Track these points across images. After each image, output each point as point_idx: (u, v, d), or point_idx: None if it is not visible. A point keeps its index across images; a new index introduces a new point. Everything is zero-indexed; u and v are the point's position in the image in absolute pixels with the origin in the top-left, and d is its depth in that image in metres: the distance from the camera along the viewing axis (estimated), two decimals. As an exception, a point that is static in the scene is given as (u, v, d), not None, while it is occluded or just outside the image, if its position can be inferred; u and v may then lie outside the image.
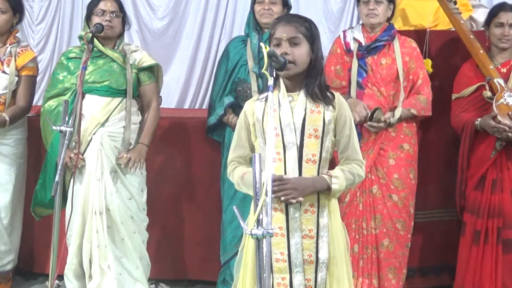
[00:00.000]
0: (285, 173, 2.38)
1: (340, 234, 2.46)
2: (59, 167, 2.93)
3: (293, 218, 2.39)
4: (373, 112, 3.41)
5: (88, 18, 3.47)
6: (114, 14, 3.43)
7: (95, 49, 3.35)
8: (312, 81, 2.41)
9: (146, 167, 3.53)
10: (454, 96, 3.61)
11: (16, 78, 3.61)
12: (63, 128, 2.98)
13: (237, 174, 2.47)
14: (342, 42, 3.61)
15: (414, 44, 3.60)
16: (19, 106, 3.62)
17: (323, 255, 2.41)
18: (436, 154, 3.83)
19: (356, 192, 3.48)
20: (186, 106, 6.05)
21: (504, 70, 3.53)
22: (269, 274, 2.07)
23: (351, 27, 3.80)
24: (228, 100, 3.61)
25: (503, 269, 3.42)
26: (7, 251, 3.70)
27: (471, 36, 3.59)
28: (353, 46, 3.55)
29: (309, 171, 2.39)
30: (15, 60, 3.62)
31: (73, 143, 3.33)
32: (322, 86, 2.42)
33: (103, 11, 3.40)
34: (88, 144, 3.37)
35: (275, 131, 2.36)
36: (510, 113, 3.38)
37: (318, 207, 2.41)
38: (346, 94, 3.51)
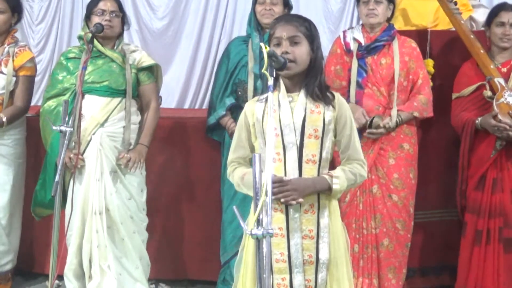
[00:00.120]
0: (285, 173, 2.38)
1: (340, 234, 2.46)
2: (59, 167, 2.92)
3: (293, 218, 2.38)
4: (371, 119, 3.41)
5: (87, 18, 3.46)
6: (114, 14, 3.42)
7: (94, 49, 3.35)
8: (312, 80, 2.40)
9: (146, 167, 3.53)
10: (454, 95, 3.61)
11: (14, 78, 3.60)
12: (63, 128, 2.98)
13: (237, 175, 2.47)
14: (342, 42, 3.61)
15: (414, 44, 3.59)
16: (17, 106, 3.61)
17: (323, 255, 2.40)
18: (436, 154, 3.83)
19: (356, 192, 3.49)
20: (186, 106, 6.04)
21: (504, 69, 3.53)
22: (269, 274, 2.06)
23: (351, 27, 3.80)
24: (229, 101, 3.62)
25: (505, 269, 3.42)
26: (5, 252, 3.69)
27: (472, 36, 3.59)
28: (353, 46, 3.55)
29: (309, 171, 2.38)
30: (13, 60, 3.60)
31: (73, 143, 3.32)
32: (322, 85, 2.41)
33: (103, 11, 3.40)
34: (88, 144, 3.37)
35: (274, 132, 2.35)
36: (510, 112, 3.38)
37: (318, 208, 2.40)
38: (346, 94, 3.51)
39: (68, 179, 3.39)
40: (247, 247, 2.42)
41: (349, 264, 2.49)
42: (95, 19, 3.38)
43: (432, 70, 3.71)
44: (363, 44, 3.54)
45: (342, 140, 2.43)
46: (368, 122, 3.42)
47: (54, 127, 3.01)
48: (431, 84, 3.67)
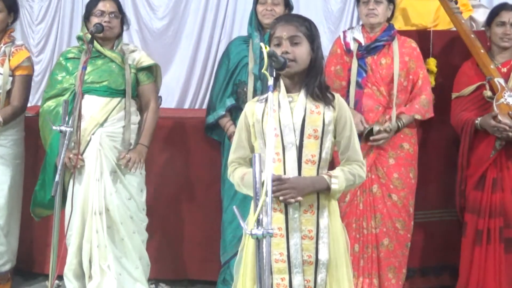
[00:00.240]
0: (285, 173, 2.37)
1: (340, 235, 2.45)
2: (59, 167, 2.92)
3: (293, 218, 2.38)
4: (370, 129, 3.41)
5: (86, 19, 3.45)
6: (113, 15, 3.42)
7: (93, 49, 3.35)
8: (312, 80, 2.40)
9: (146, 167, 3.53)
10: (454, 95, 3.61)
11: (11, 78, 3.59)
12: (63, 128, 2.98)
13: (237, 175, 2.47)
14: (342, 42, 3.60)
15: (414, 44, 3.59)
16: (13, 106, 3.59)
17: (322, 256, 2.40)
18: (436, 154, 3.83)
19: (356, 192, 3.48)
20: (186, 106, 6.05)
21: (504, 69, 3.53)
22: (269, 274, 2.06)
23: (351, 27, 3.80)
24: (230, 102, 3.61)
25: (506, 269, 3.42)
26: (4, 252, 3.68)
27: (472, 36, 3.59)
28: (353, 46, 3.55)
29: (309, 171, 2.38)
30: (9, 60, 3.59)
31: (72, 144, 3.32)
32: (322, 86, 2.41)
33: (102, 12, 3.39)
34: (87, 144, 3.37)
35: (274, 132, 2.35)
36: (510, 112, 3.37)
37: (318, 208, 2.40)
38: (346, 94, 3.51)
39: (67, 179, 3.39)
40: (247, 247, 2.41)
41: (349, 264, 2.49)
42: (94, 20, 3.38)
43: (434, 69, 3.71)
44: (363, 44, 3.54)
45: (342, 141, 2.43)
46: (366, 132, 3.40)
47: (54, 127, 3.01)
48: (434, 83, 3.67)
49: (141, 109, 3.56)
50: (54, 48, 6.22)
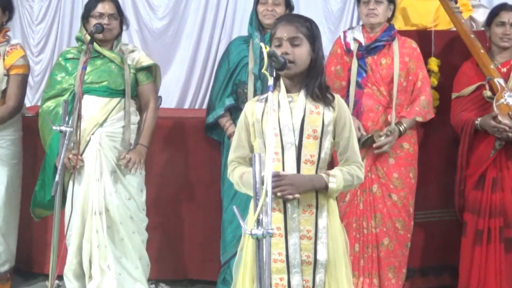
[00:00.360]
0: (283, 173, 2.38)
1: (339, 235, 2.45)
2: (59, 167, 2.92)
3: (291, 218, 2.38)
4: (368, 138, 3.41)
5: (85, 19, 3.44)
6: (112, 17, 3.41)
7: (92, 49, 3.34)
8: (313, 81, 2.40)
9: (146, 167, 3.52)
10: (454, 95, 3.61)
11: (6, 78, 3.58)
12: (63, 128, 2.97)
13: (236, 174, 2.47)
14: (342, 42, 3.60)
15: (414, 45, 3.59)
16: (8, 106, 3.58)
17: (321, 256, 2.40)
18: (436, 154, 3.83)
19: (356, 191, 3.48)
20: (186, 106, 6.05)
21: (504, 70, 3.53)
22: (269, 274, 2.06)
23: (351, 28, 3.80)
24: (229, 101, 3.61)
25: (506, 269, 3.42)
26: (2, 252, 3.67)
27: (472, 36, 3.59)
28: (353, 46, 3.55)
29: (307, 171, 2.38)
30: (4, 60, 3.58)
31: (72, 144, 3.31)
32: (322, 86, 2.41)
33: (101, 14, 3.38)
34: (87, 144, 3.37)
35: (273, 131, 2.35)
36: (510, 113, 3.38)
37: (317, 208, 2.40)
38: (346, 94, 3.51)
39: (67, 180, 3.39)
40: (246, 247, 2.41)
41: (348, 265, 2.49)
42: (93, 22, 3.37)
43: (436, 69, 3.71)
44: (363, 44, 3.54)
45: (341, 142, 2.43)
46: (364, 140, 3.40)
47: (54, 127, 3.00)
48: (436, 83, 3.68)
49: (141, 109, 3.56)
50: (54, 48, 6.23)
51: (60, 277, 3.51)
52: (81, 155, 3.36)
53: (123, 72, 3.43)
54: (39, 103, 3.94)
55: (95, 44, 3.37)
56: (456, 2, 3.68)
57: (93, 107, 3.38)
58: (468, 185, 3.51)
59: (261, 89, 3.45)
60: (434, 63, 3.72)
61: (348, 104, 3.41)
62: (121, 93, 3.43)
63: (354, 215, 3.51)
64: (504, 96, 3.41)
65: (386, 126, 3.47)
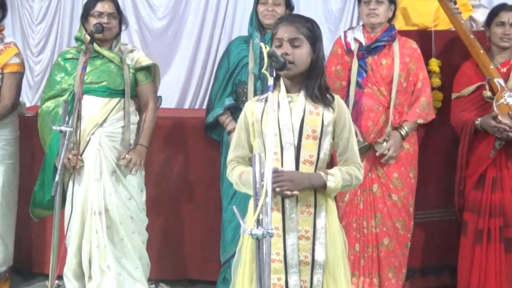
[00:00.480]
0: (282, 172, 2.38)
1: (337, 236, 2.45)
2: (59, 167, 2.92)
3: (290, 218, 2.38)
4: (367, 146, 3.41)
5: (84, 19, 3.44)
6: (112, 16, 3.41)
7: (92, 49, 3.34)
8: (313, 81, 2.40)
9: (145, 167, 3.52)
10: (454, 95, 3.62)
11: (0, 76, 3.57)
12: (63, 128, 2.97)
13: (235, 173, 2.47)
14: (343, 42, 3.60)
15: (414, 45, 3.59)
16: (3, 105, 3.57)
17: (319, 257, 2.40)
18: (436, 154, 3.83)
19: (356, 191, 3.49)
20: (186, 106, 6.05)
21: (504, 70, 3.53)
22: (269, 274, 2.06)
23: (351, 28, 3.80)
24: (229, 101, 3.61)
25: (506, 269, 3.42)
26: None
27: (471, 36, 3.59)
28: (354, 46, 3.55)
29: (306, 171, 2.38)
30: None
31: (71, 144, 3.31)
32: (322, 87, 2.41)
33: (101, 13, 3.38)
34: (87, 144, 3.37)
35: (273, 131, 2.35)
36: (510, 113, 3.38)
37: (315, 208, 2.40)
38: (347, 94, 3.51)
39: (67, 180, 3.39)
40: (246, 247, 2.41)
41: (346, 265, 2.49)
42: (93, 21, 3.37)
43: (437, 69, 3.71)
44: (363, 44, 3.54)
45: (340, 142, 2.43)
46: (360, 147, 3.39)
47: (54, 127, 3.00)
48: (439, 83, 3.68)
49: (140, 109, 3.56)
50: (54, 48, 6.23)
51: (60, 277, 3.51)
52: (81, 155, 3.35)
53: (123, 72, 3.43)
54: (39, 103, 3.94)
55: (94, 44, 3.37)
56: (455, 3, 3.68)
57: (93, 107, 3.38)
58: (468, 185, 3.52)
59: (261, 89, 3.45)
60: (435, 64, 3.72)
61: (348, 104, 3.42)
62: (120, 93, 3.43)
63: (354, 215, 3.51)
64: (504, 96, 3.41)
65: (386, 126, 3.47)
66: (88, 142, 3.37)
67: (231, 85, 3.63)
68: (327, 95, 2.42)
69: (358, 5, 3.62)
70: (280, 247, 2.39)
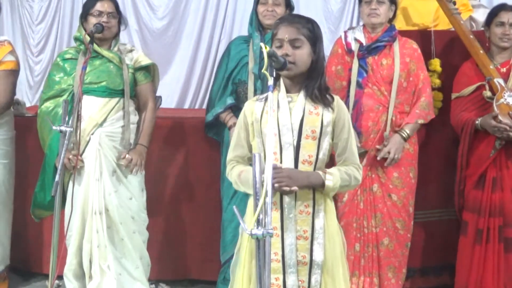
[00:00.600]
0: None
1: (336, 236, 2.45)
2: (59, 167, 2.92)
3: (288, 218, 2.38)
4: (362, 151, 3.41)
5: (83, 18, 3.44)
6: (111, 15, 3.42)
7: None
8: (313, 82, 2.40)
9: (145, 167, 3.52)
10: (454, 95, 3.62)
11: None
12: (63, 128, 2.97)
13: (235, 173, 2.47)
14: (343, 42, 3.60)
15: (415, 46, 3.59)
16: None
17: (317, 257, 2.40)
18: (436, 154, 3.83)
19: (356, 191, 3.49)
20: (186, 106, 6.06)
21: (503, 70, 3.54)
22: (269, 274, 2.06)
23: (351, 28, 3.80)
24: (230, 100, 3.61)
25: (505, 269, 3.42)
26: None
27: (471, 36, 3.60)
28: (354, 46, 3.55)
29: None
30: None
31: (71, 144, 3.31)
32: (322, 87, 2.42)
33: (100, 12, 3.38)
34: (87, 144, 3.37)
35: (272, 131, 2.35)
36: (510, 112, 3.38)
37: (314, 208, 2.40)
38: (347, 94, 3.51)
39: (67, 180, 3.39)
40: (245, 247, 2.41)
41: (345, 266, 2.49)
42: (92, 20, 3.37)
43: (439, 69, 3.72)
44: (364, 44, 3.54)
45: (339, 143, 2.43)
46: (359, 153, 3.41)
47: (54, 127, 3.00)
48: (440, 82, 3.68)
49: (139, 109, 3.56)
50: (54, 48, 6.23)
51: (60, 277, 3.51)
52: (81, 155, 3.36)
53: (122, 72, 3.43)
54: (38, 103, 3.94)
55: (94, 44, 3.37)
56: (454, 4, 3.68)
57: (92, 107, 3.38)
58: (468, 185, 3.52)
59: (261, 88, 3.45)
60: (437, 64, 3.72)
61: (348, 104, 3.43)
62: (120, 93, 3.43)
63: (355, 215, 3.51)
64: (504, 96, 3.41)
65: (386, 126, 3.47)
66: (88, 142, 3.37)
67: (231, 84, 3.63)
68: (327, 96, 2.42)
69: (359, 5, 3.62)
70: (278, 247, 2.39)
